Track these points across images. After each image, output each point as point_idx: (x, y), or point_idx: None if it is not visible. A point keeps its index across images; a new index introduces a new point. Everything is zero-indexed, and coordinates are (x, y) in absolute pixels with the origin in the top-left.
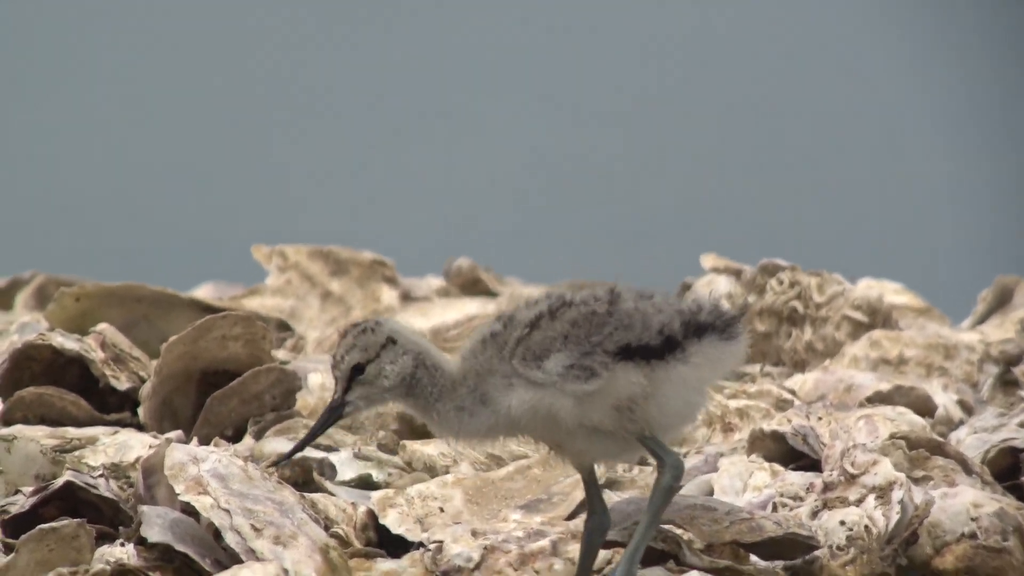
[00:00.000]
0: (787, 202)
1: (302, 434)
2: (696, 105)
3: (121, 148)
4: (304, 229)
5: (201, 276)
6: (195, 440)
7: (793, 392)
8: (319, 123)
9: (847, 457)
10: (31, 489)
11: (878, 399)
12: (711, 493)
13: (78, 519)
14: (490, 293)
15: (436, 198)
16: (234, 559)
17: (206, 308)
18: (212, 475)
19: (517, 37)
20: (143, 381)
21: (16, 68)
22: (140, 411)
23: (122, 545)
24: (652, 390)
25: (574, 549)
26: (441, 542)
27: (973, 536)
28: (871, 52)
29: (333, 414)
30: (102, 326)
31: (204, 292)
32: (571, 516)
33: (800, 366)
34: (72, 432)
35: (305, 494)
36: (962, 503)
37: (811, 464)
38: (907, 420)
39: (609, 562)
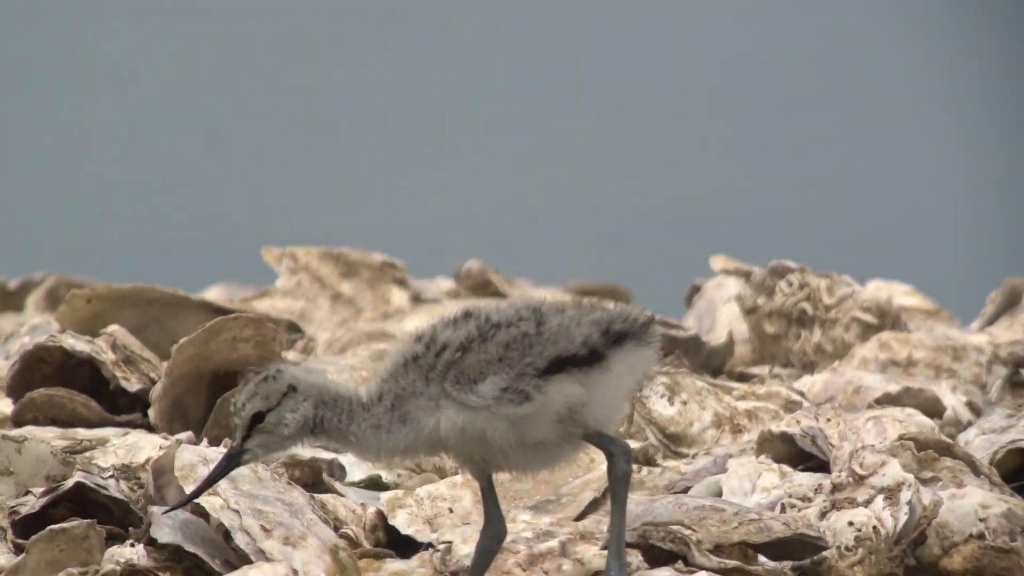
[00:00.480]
0: (797, 204)
1: None
2: (707, 106)
3: (133, 150)
4: (314, 231)
5: (212, 278)
6: (205, 441)
7: (802, 394)
8: (330, 125)
9: (856, 458)
10: (41, 490)
11: (887, 401)
12: (720, 494)
13: (88, 520)
14: (500, 295)
15: (446, 200)
16: (244, 560)
17: (217, 310)
18: None
19: (528, 37)
20: (153, 382)
21: (33, 69)
22: (150, 412)
23: (132, 546)
24: (588, 396)
25: (583, 550)
26: (450, 543)
27: (981, 537)
28: (884, 54)
29: (231, 462)
30: (113, 328)
31: (215, 294)
32: (580, 517)
33: (809, 368)
34: (82, 433)
35: (315, 495)
36: (970, 504)
37: (820, 465)
38: (916, 421)
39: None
